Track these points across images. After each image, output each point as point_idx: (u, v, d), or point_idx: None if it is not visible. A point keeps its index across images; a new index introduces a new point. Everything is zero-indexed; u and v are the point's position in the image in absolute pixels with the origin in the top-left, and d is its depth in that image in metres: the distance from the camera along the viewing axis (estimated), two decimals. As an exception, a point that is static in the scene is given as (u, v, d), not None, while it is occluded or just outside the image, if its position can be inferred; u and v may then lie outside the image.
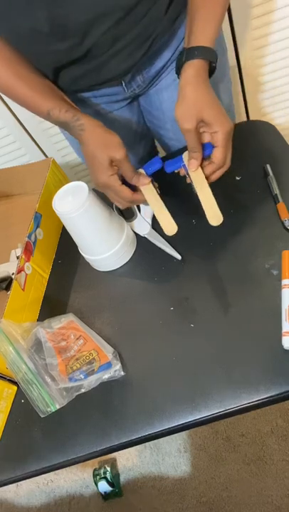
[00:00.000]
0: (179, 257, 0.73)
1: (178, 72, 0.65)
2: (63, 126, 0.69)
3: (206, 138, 0.65)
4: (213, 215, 0.63)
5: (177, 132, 0.93)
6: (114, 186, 0.69)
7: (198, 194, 0.65)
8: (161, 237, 0.77)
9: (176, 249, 0.74)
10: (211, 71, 0.64)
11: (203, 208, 0.64)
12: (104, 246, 0.74)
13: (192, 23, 0.63)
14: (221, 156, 0.64)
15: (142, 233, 0.80)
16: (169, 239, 0.76)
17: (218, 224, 0.62)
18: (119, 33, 0.65)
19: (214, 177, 0.67)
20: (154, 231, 0.79)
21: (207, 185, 0.64)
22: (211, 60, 0.63)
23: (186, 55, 0.62)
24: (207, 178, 0.66)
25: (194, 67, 0.62)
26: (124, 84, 0.78)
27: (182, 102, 0.62)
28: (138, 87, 0.80)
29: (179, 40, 0.75)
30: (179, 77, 0.64)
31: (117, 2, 0.61)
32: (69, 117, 0.67)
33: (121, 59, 0.70)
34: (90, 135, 0.67)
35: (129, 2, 0.62)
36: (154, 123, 0.94)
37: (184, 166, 0.68)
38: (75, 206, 0.66)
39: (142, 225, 0.80)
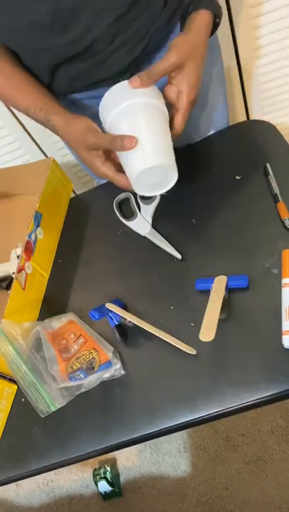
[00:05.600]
0: (179, 256, 0.73)
1: (182, 22, 0.66)
2: (43, 125, 0.69)
3: (172, 91, 0.63)
4: (208, 331, 0.56)
5: None
6: (109, 176, 0.66)
7: (208, 305, 0.61)
8: (161, 237, 0.77)
9: (176, 249, 0.74)
10: (214, 27, 0.65)
11: (204, 318, 0.59)
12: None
13: None
14: (181, 123, 0.63)
15: (142, 233, 0.80)
16: (169, 238, 0.76)
17: (206, 341, 0.55)
18: (119, 28, 0.65)
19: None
20: (154, 230, 0.79)
21: (221, 302, 0.60)
22: (216, 13, 0.63)
23: (192, 6, 0.63)
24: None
25: (200, 18, 0.62)
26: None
27: (183, 36, 0.61)
28: None
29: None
30: (181, 28, 0.66)
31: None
32: (42, 117, 0.67)
33: (119, 56, 0.70)
34: (64, 135, 0.67)
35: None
36: None
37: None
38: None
39: (142, 225, 0.80)
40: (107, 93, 0.64)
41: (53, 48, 0.67)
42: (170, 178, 0.62)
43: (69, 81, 0.74)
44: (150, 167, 0.58)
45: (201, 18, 0.63)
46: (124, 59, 0.71)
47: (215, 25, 0.66)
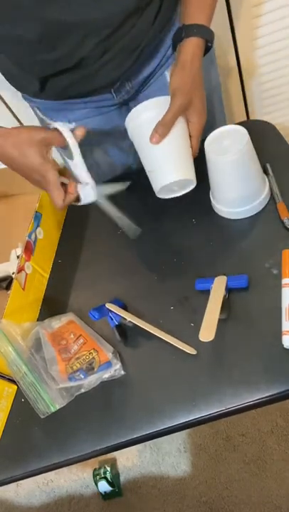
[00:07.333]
0: (138, 229, 0.74)
1: (174, 48, 0.68)
2: None
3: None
4: (208, 331, 0.57)
5: None
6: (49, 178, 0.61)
7: (208, 305, 0.61)
8: (113, 207, 0.70)
9: (176, 249, 0.74)
10: (206, 50, 0.67)
11: (204, 318, 0.59)
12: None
13: (188, 3, 0.66)
14: (197, 146, 0.68)
15: (88, 200, 0.69)
16: (169, 238, 0.76)
17: (205, 341, 0.56)
18: (108, 45, 0.67)
19: None
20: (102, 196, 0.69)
21: (221, 302, 0.61)
22: (208, 40, 0.65)
23: (185, 31, 0.65)
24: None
25: (193, 45, 0.64)
26: (113, 91, 0.78)
27: (181, 73, 0.64)
28: (127, 94, 0.81)
29: (166, 48, 0.76)
30: (174, 52, 0.68)
31: (106, 21, 0.63)
32: None
33: (110, 69, 0.71)
34: (7, 135, 0.61)
35: (118, 20, 0.63)
36: None
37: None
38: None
39: (85, 191, 0.68)
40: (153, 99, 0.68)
41: (41, 62, 0.68)
42: (189, 185, 0.70)
43: (60, 90, 0.75)
44: (178, 180, 0.66)
45: (194, 45, 0.65)
46: (115, 72, 0.72)
47: (207, 48, 0.68)
